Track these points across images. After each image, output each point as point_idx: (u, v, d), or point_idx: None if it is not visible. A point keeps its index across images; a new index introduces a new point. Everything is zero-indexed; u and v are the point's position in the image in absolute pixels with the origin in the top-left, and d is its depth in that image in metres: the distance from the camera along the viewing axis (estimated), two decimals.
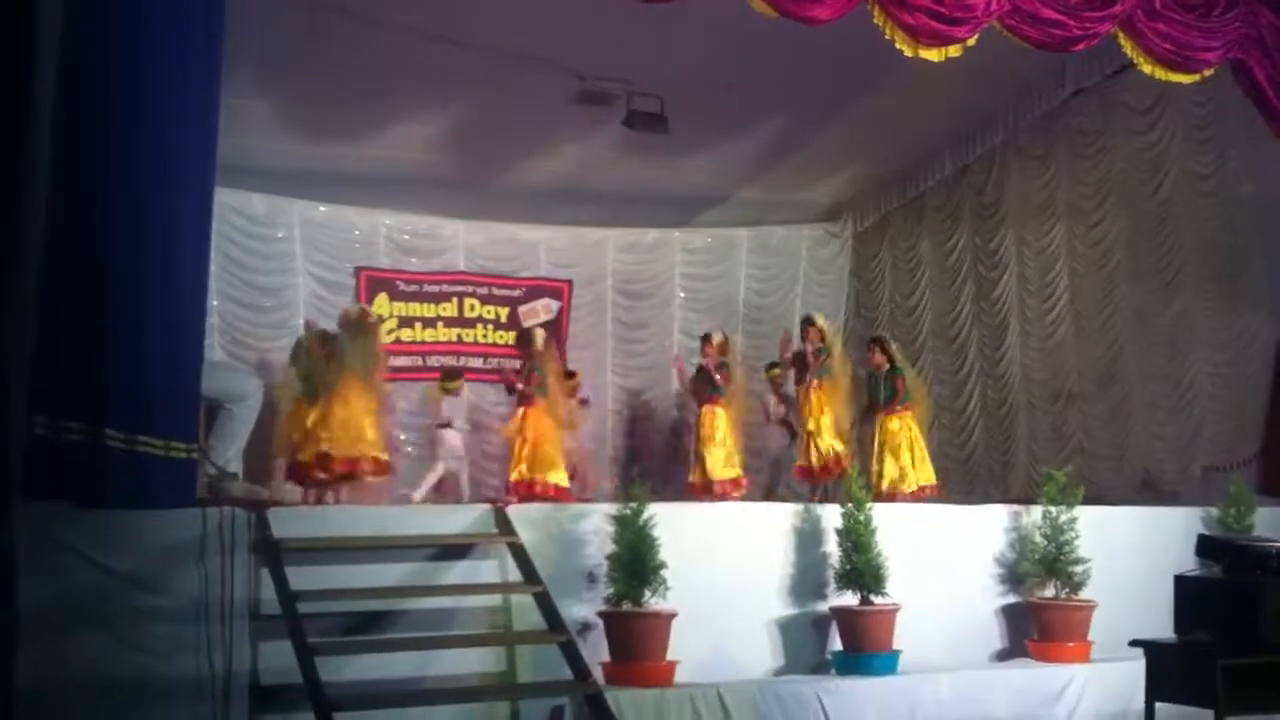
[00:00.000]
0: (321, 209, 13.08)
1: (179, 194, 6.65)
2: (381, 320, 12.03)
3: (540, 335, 11.89)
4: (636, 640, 7.06)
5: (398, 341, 13.14)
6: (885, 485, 10.68)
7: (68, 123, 6.39)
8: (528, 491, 10.56)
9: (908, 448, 10.92)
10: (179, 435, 6.52)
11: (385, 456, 10.45)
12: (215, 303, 11.67)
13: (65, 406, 6.26)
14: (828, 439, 11.28)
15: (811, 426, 11.35)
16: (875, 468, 10.82)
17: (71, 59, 6.42)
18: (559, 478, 10.86)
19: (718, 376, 11.63)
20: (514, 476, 10.88)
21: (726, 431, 11.46)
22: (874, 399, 11.23)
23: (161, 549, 6.32)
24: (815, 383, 11.48)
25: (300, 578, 6.32)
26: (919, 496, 10.62)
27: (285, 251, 12.89)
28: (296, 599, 6.21)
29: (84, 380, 6.36)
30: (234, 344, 12.32)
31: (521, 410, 11.21)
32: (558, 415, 11.20)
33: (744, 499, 10.96)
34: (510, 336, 13.49)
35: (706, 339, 12.01)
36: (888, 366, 11.25)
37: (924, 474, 10.89)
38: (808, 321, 12.00)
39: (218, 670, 6.24)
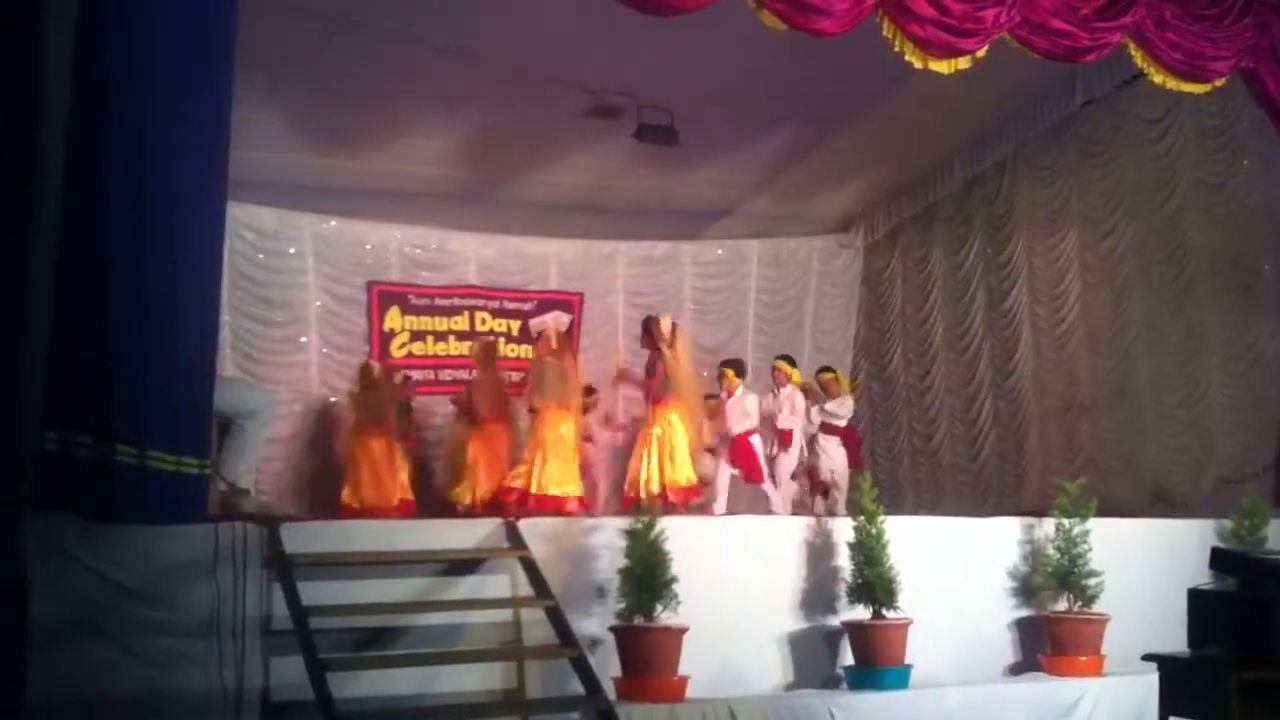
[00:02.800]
0: (332, 223, 13.12)
1: (190, 208, 6.64)
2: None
3: (553, 327, 11.41)
4: (648, 655, 7.04)
5: (409, 355, 13.17)
6: (631, 488, 10.10)
7: (79, 140, 6.40)
8: (534, 504, 10.18)
9: (657, 445, 10.11)
10: (190, 450, 6.50)
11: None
12: (227, 317, 11.70)
13: (77, 421, 6.25)
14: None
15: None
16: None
17: (82, 74, 6.43)
18: (570, 490, 10.44)
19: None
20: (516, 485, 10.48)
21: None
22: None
23: (173, 564, 6.31)
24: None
25: (312, 593, 6.30)
26: (673, 501, 9.90)
27: (296, 266, 12.93)
28: (308, 614, 6.20)
29: (96, 395, 6.35)
30: (245, 359, 12.35)
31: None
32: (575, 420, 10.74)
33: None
34: (522, 350, 13.52)
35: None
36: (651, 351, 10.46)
37: (680, 474, 10.07)
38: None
39: (229, 686, 6.23)
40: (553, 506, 10.24)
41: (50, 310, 6.30)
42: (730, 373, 11.48)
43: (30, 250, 6.32)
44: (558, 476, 10.51)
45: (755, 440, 11.22)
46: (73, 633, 6.02)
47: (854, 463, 11.97)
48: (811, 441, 12.09)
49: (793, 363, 12.20)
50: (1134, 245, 12.31)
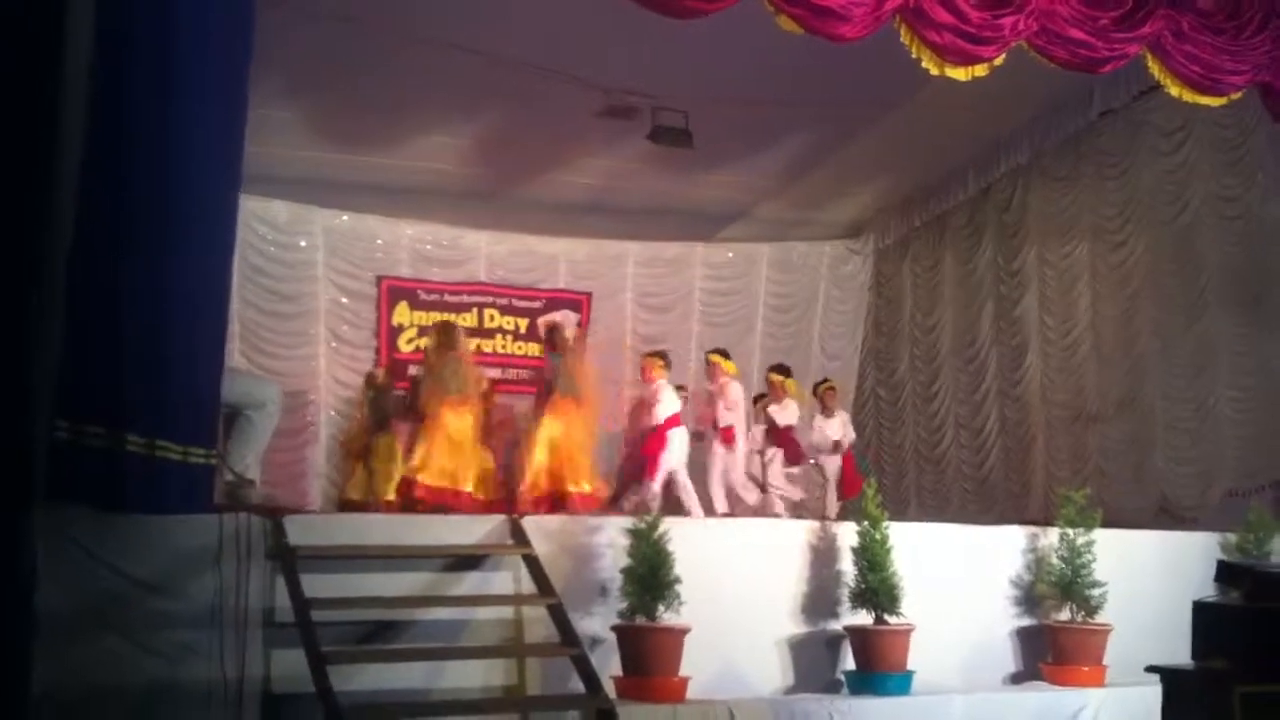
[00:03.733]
0: (344, 217, 13.15)
1: (204, 201, 6.67)
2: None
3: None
4: (649, 655, 7.03)
5: (417, 350, 13.18)
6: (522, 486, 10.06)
7: (94, 131, 6.41)
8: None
9: (548, 447, 10.06)
10: (198, 441, 6.53)
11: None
12: (236, 309, 11.72)
13: (87, 411, 6.27)
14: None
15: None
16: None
17: (100, 67, 6.45)
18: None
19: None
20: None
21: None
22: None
23: (178, 554, 6.32)
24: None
25: (315, 585, 6.31)
26: (573, 505, 9.76)
27: (307, 259, 12.96)
28: (310, 607, 6.21)
29: (106, 385, 6.37)
30: (254, 351, 12.39)
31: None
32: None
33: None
34: (530, 348, 13.53)
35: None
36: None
37: (580, 478, 10.01)
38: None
39: (230, 677, 6.23)
40: (436, 499, 10.07)
41: (63, 300, 6.31)
42: (659, 363, 11.19)
43: (44, 241, 6.34)
44: (450, 470, 10.34)
45: (675, 434, 10.84)
46: (78, 621, 6.02)
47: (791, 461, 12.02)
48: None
49: (726, 356, 11.91)
50: (1146, 257, 12.29)
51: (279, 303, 12.75)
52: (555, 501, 10.03)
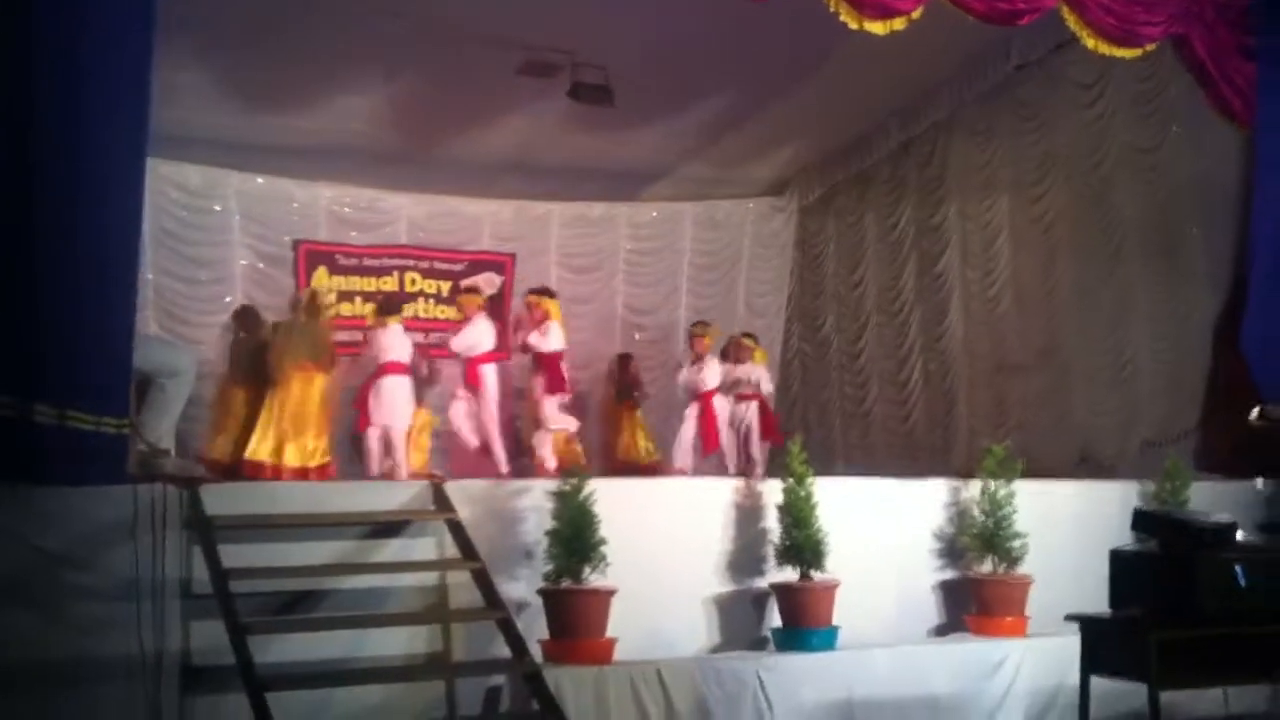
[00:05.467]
0: (259, 181, 12.92)
1: (110, 164, 6.52)
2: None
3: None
4: (575, 617, 7.00)
5: (337, 316, 12.99)
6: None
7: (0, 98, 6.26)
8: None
9: (274, 416, 10.26)
10: (111, 410, 6.41)
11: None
12: (150, 276, 11.55)
13: None
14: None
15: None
16: None
17: (4, 31, 6.28)
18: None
19: None
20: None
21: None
22: None
23: (92, 526, 6.21)
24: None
25: (233, 555, 6.22)
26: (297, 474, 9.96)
27: (222, 224, 12.74)
28: (228, 577, 6.12)
29: (13, 354, 6.25)
30: (168, 318, 12.16)
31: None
32: None
33: None
34: (452, 311, 13.40)
35: None
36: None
37: (307, 442, 10.32)
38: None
39: (148, 649, 6.14)
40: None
41: None
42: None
43: None
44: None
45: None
46: None
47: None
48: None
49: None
50: (1065, 210, 12.38)
51: (193, 268, 12.52)
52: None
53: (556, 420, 11.27)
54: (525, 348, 11.35)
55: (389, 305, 11.56)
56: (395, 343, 10.77)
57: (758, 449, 12.48)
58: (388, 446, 10.54)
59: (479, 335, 10.99)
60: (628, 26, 10.70)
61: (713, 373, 12.32)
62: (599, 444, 12.75)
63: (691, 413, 12.24)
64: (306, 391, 10.50)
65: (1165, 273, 11.47)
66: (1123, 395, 11.74)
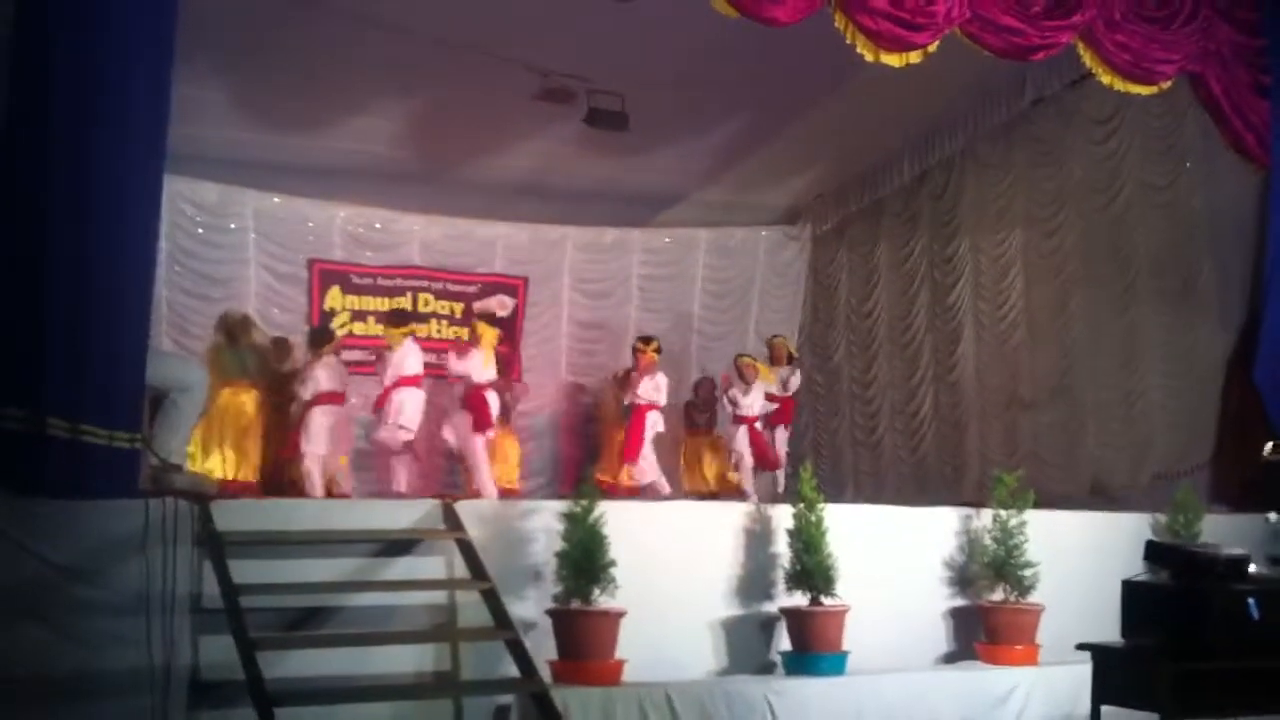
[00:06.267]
0: (275, 199, 12.94)
1: (127, 179, 6.57)
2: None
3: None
4: (584, 639, 7.01)
5: (350, 335, 13.03)
6: None
7: (12, 109, 6.30)
8: None
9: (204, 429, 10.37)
10: (122, 425, 6.44)
11: None
12: (164, 293, 11.56)
13: (7, 394, 6.18)
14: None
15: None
16: None
17: (20, 40, 6.33)
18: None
19: None
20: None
21: None
22: None
23: (103, 540, 6.22)
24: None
25: (243, 571, 6.22)
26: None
27: (237, 242, 12.75)
28: (239, 593, 6.12)
29: (27, 367, 6.28)
30: (182, 334, 12.16)
31: None
32: None
33: None
34: (465, 333, 13.42)
35: None
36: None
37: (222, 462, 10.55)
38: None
39: (157, 664, 6.13)
40: None
41: None
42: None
43: None
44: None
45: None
46: (0, 610, 5.90)
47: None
48: None
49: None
50: (1078, 244, 12.39)
51: (208, 286, 12.53)
52: None
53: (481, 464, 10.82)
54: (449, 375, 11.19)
55: (396, 319, 11.79)
56: (409, 357, 10.97)
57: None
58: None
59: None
60: (645, 54, 10.76)
61: (758, 398, 12.46)
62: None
63: (743, 437, 12.33)
64: (233, 405, 10.77)
65: (1178, 308, 11.48)
66: (1135, 429, 11.72)
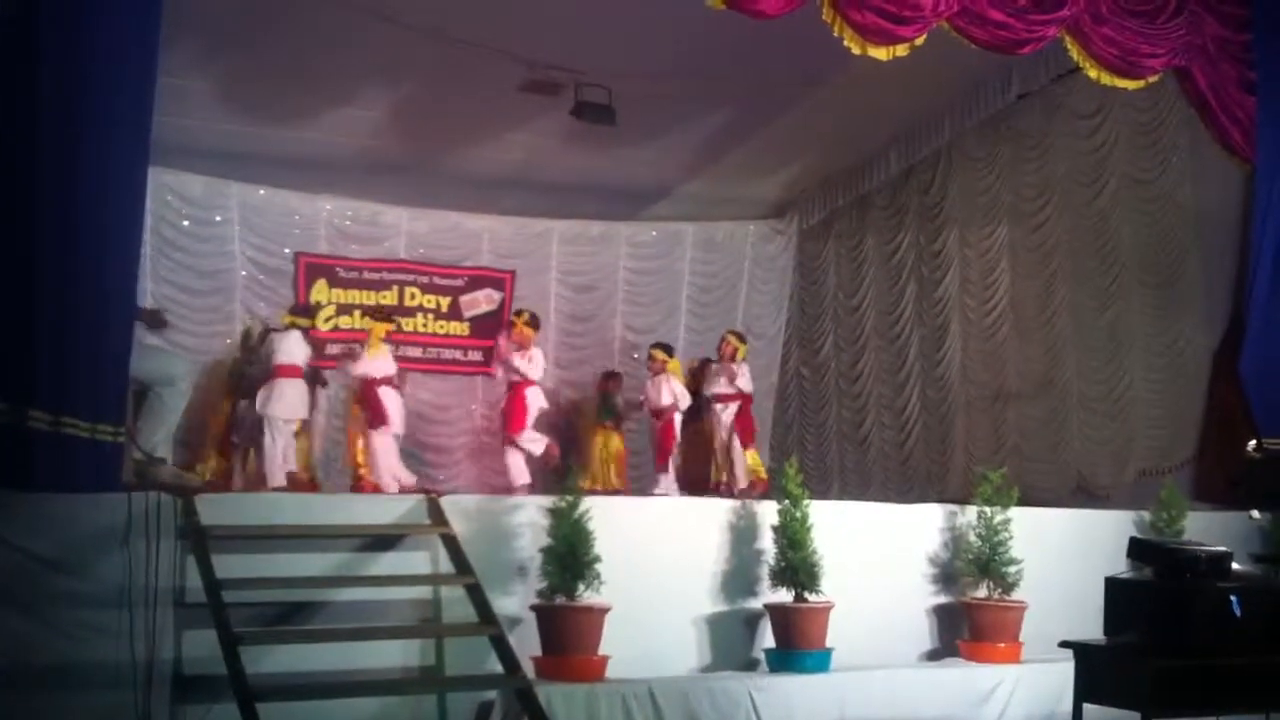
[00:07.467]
0: (261, 192, 12.90)
1: (112, 171, 6.55)
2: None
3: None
4: (568, 634, 6.99)
5: (335, 329, 12.99)
6: None
7: (2, 106, 6.27)
8: None
9: None
10: (106, 417, 6.43)
11: None
12: (149, 285, 11.50)
13: None
14: None
15: None
16: None
17: (6, 36, 6.30)
18: None
19: None
20: None
21: None
22: None
23: (85, 533, 6.20)
24: None
25: (227, 565, 6.22)
26: None
27: (223, 235, 12.71)
28: (221, 587, 6.11)
29: (9, 360, 6.27)
30: (167, 328, 12.08)
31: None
32: None
33: None
34: (452, 326, 13.40)
35: None
36: None
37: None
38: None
39: (140, 658, 6.12)
40: None
41: None
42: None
43: None
44: None
45: None
46: None
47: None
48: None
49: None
50: (1064, 239, 12.41)
51: (193, 278, 12.49)
52: None
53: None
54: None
55: (379, 314, 12.09)
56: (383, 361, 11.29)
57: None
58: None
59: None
60: (631, 45, 10.72)
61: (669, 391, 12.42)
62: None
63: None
64: None
65: (1163, 303, 11.50)
66: (1119, 425, 11.75)
